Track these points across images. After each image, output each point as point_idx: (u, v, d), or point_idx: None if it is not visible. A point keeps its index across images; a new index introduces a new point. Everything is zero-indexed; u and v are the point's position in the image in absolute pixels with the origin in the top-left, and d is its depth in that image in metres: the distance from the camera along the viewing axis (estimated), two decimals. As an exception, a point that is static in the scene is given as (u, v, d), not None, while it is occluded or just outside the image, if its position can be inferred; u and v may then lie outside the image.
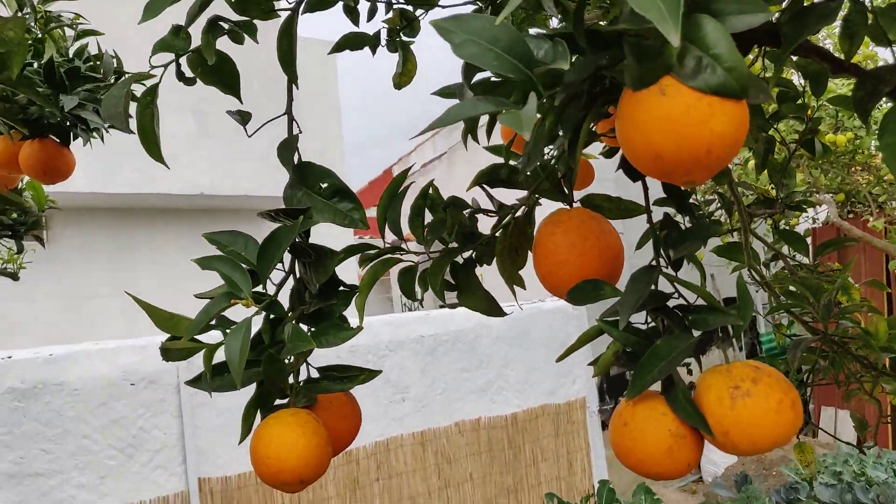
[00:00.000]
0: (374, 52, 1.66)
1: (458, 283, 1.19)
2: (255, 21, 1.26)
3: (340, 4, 1.38)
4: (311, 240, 1.18)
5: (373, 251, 1.16)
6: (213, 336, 1.11)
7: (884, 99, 0.83)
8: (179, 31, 1.18)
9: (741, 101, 0.67)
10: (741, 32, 0.67)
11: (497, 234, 1.18)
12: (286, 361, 1.10)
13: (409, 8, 1.72)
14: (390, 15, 1.73)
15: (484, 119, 1.37)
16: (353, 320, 1.18)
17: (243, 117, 1.23)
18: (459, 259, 1.19)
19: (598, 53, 0.75)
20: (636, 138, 0.71)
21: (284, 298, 1.18)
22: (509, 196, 1.21)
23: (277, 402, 1.18)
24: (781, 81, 1.51)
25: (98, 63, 2.13)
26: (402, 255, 1.17)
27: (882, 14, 0.95)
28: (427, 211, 1.17)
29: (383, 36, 1.71)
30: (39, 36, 1.99)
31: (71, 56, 2.11)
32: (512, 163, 1.22)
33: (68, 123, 2.03)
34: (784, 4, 0.96)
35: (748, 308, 0.96)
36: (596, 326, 1.00)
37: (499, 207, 1.17)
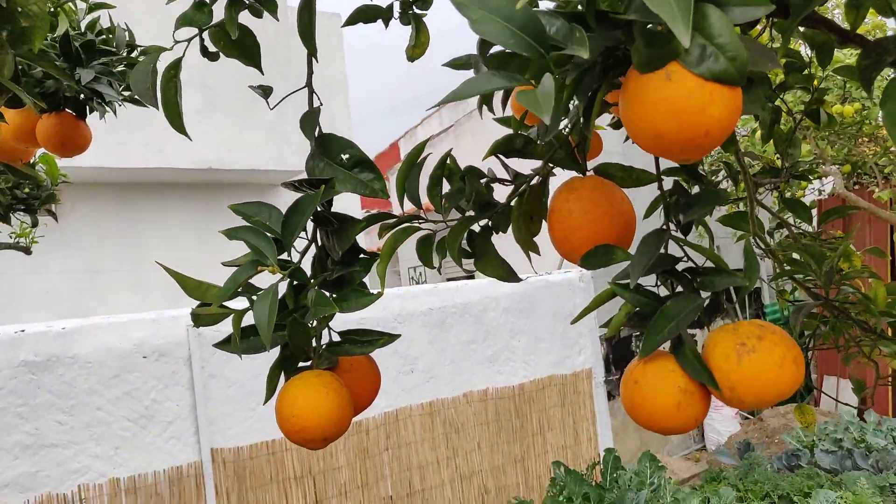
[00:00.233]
0: (387, 24, 1.69)
1: (474, 250, 1.24)
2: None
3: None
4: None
5: (392, 220, 1.20)
6: (238, 303, 1.15)
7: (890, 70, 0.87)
8: (202, 6, 1.21)
9: (738, 87, 0.73)
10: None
11: (513, 203, 1.22)
12: (310, 325, 1.14)
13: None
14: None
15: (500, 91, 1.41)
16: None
17: (265, 91, 1.27)
18: (476, 227, 1.23)
19: (609, 33, 0.79)
20: (640, 118, 0.76)
21: (306, 267, 1.22)
22: (523, 165, 1.24)
23: (300, 364, 1.23)
24: (788, 52, 1.54)
25: (111, 36, 2.16)
26: (420, 223, 1.21)
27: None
28: (444, 180, 1.21)
29: (396, 8, 1.74)
30: (52, 9, 2.02)
31: (83, 30, 2.13)
32: (521, 132, 1.26)
33: (83, 97, 2.06)
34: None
35: (754, 270, 1.00)
36: (608, 289, 1.04)
37: (514, 176, 1.21)
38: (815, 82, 1.68)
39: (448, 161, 1.19)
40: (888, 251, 7.58)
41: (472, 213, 1.20)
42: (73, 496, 3.72)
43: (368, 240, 13.10)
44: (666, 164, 1.19)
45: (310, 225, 1.19)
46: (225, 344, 1.18)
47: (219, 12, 1.25)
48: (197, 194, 7.43)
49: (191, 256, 7.03)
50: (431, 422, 5.12)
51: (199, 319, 1.12)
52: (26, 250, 3.55)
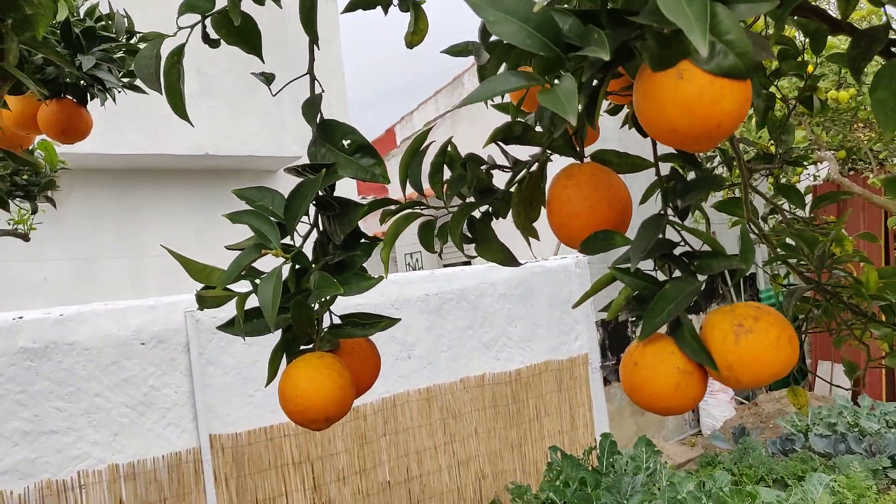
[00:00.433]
0: (385, 11, 1.70)
1: (475, 235, 1.26)
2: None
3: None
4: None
5: (394, 206, 1.21)
6: (241, 287, 1.17)
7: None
8: (205, -6, 1.22)
9: (746, 80, 0.76)
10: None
11: (512, 189, 1.24)
12: (312, 308, 1.16)
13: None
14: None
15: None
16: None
17: (267, 78, 1.28)
18: (476, 213, 1.25)
19: (619, 30, 0.81)
20: (655, 115, 0.80)
21: (308, 252, 1.24)
22: (522, 152, 1.26)
23: (302, 348, 1.25)
24: (782, 39, 1.56)
25: (110, 23, 2.17)
26: (422, 209, 1.23)
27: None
28: (445, 167, 1.23)
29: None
30: (54, -3, 2.02)
31: (82, 16, 2.14)
32: (520, 119, 1.28)
33: (84, 84, 2.07)
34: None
35: (750, 253, 1.02)
36: (608, 274, 1.06)
37: (514, 163, 1.23)
38: (810, 68, 1.70)
39: (449, 148, 1.21)
40: (882, 236, 7.62)
41: (472, 199, 1.22)
42: (73, 482, 3.74)
43: (365, 225, 13.09)
44: (662, 150, 1.21)
45: (312, 210, 1.21)
46: (229, 326, 1.20)
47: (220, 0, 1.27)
48: (194, 181, 7.42)
49: (188, 243, 7.04)
50: (429, 407, 5.15)
51: (203, 301, 1.14)
52: (24, 237, 3.56)
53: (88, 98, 2.10)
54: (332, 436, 4.65)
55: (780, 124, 1.79)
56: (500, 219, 1.30)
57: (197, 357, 4.22)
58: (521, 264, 1.28)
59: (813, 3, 0.96)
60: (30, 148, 2.55)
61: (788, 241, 1.66)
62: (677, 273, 1.06)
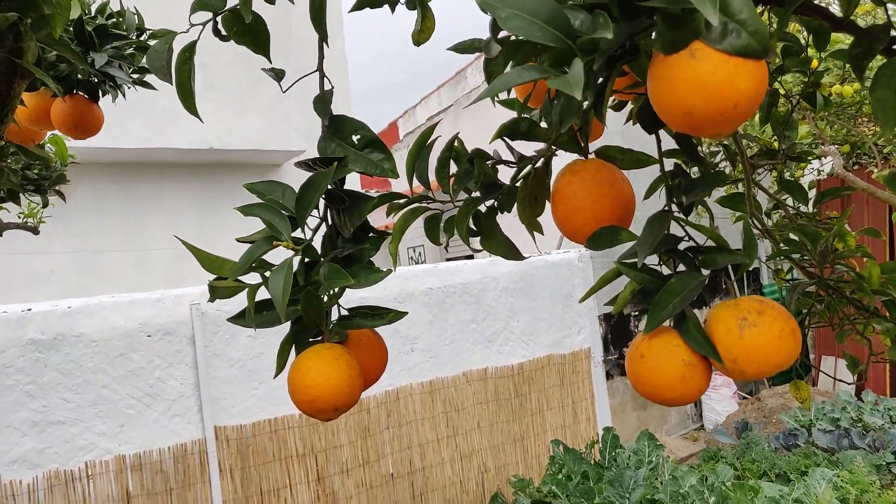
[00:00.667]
0: (393, 9, 1.71)
1: (480, 229, 1.28)
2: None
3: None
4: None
5: (402, 200, 1.24)
6: (251, 280, 1.19)
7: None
8: (217, -9, 1.24)
9: (762, 60, 0.76)
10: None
11: (518, 184, 1.26)
12: (322, 299, 1.19)
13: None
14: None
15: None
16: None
17: (277, 74, 1.30)
18: (482, 207, 1.27)
19: (630, 22, 0.83)
20: (668, 98, 0.79)
21: (317, 246, 1.26)
22: (527, 148, 1.28)
23: (310, 340, 1.27)
24: (786, 36, 1.57)
25: (121, 20, 2.19)
26: (428, 203, 1.25)
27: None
28: (452, 162, 1.25)
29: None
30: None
31: (93, 13, 2.16)
32: (525, 116, 1.30)
33: (96, 80, 2.09)
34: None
35: (753, 248, 1.04)
36: (614, 268, 1.08)
37: (519, 159, 1.25)
38: (815, 63, 1.72)
39: (456, 144, 1.23)
40: (886, 231, 7.62)
41: (478, 193, 1.24)
42: (80, 472, 3.78)
43: (369, 219, 13.08)
44: (666, 146, 1.23)
45: (321, 204, 1.23)
46: (239, 318, 1.22)
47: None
48: (198, 174, 7.45)
49: (192, 236, 7.04)
50: (432, 401, 5.18)
51: (215, 292, 1.16)
52: (34, 230, 3.58)
53: (100, 94, 2.13)
54: (335, 428, 4.68)
55: (783, 120, 1.80)
56: (505, 213, 1.32)
57: (202, 349, 4.25)
58: (526, 258, 1.31)
59: (815, 3, 0.98)
60: (41, 143, 2.58)
61: (791, 236, 1.67)
62: (682, 268, 1.08)
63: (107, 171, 6.93)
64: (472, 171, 1.20)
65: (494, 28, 1.16)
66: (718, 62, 0.75)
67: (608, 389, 6.33)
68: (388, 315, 1.26)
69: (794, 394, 1.84)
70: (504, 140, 1.25)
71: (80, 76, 2.03)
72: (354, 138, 1.18)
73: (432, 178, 1.27)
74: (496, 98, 1.54)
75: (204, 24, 1.27)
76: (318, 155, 1.22)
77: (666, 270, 1.09)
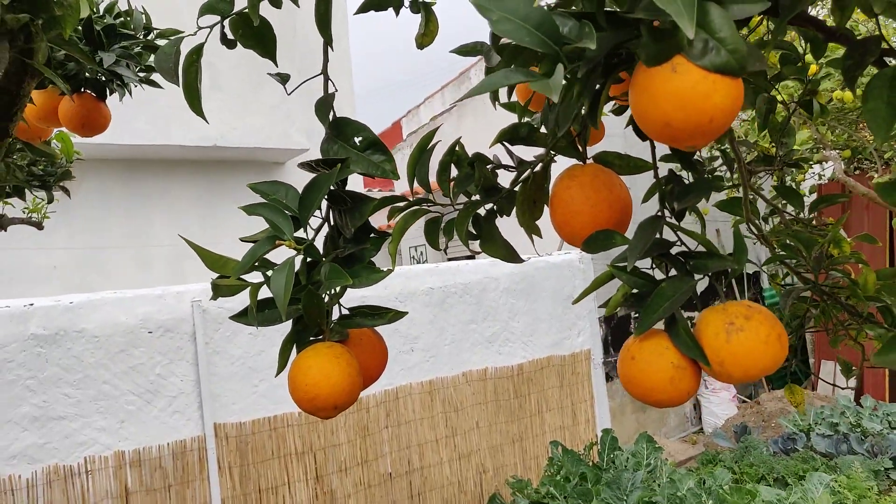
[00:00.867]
0: (397, 12, 1.74)
1: (480, 232, 1.30)
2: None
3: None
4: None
5: (403, 202, 1.26)
6: (254, 278, 1.21)
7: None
8: (224, -5, 1.27)
9: (738, 78, 0.79)
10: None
11: (517, 188, 1.28)
12: (323, 298, 1.21)
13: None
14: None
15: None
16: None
17: (283, 78, 1.33)
18: (481, 211, 1.29)
19: (617, 31, 0.85)
20: (649, 108, 0.83)
21: (318, 246, 1.28)
22: (526, 153, 1.31)
23: (311, 339, 1.29)
24: (784, 45, 1.60)
25: (128, 20, 2.21)
26: (428, 206, 1.27)
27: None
28: (453, 166, 1.27)
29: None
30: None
31: (101, 13, 2.19)
32: (526, 120, 1.32)
33: (103, 79, 2.12)
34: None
35: (743, 254, 1.07)
36: (607, 271, 1.11)
37: (518, 163, 1.27)
38: (814, 69, 1.74)
39: (457, 148, 1.25)
40: (886, 237, 7.62)
41: (478, 197, 1.26)
42: (80, 468, 3.79)
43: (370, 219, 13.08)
44: (661, 153, 1.25)
45: (323, 205, 1.26)
46: (242, 316, 1.24)
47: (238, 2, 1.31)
48: (201, 172, 7.47)
49: (195, 233, 7.08)
50: (431, 400, 5.19)
51: (218, 290, 1.18)
52: (38, 225, 3.61)
53: (107, 93, 2.15)
54: (334, 427, 4.70)
55: (780, 127, 1.83)
56: (505, 216, 1.34)
57: (203, 346, 4.27)
58: (524, 260, 1.33)
59: (809, 14, 1.00)
60: (47, 139, 2.61)
61: (788, 241, 1.70)
62: (674, 272, 1.10)
63: (110, 168, 6.95)
64: (473, 175, 1.23)
65: (495, 37, 1.19)
66: (698, 78, 0.78)
67: (608, 391, 6.34)
68: (388, 314, 1.29)
69: (788, 398, 1.86)
70: (504, 145, 1.27)
71: (87, 75, 2.05)
72: (356, 140, 1.21)
73: (433, 180, 1.29)
74: (498, 101, 1.57)
75: (211, 28, 1.29)
76: (320, 154, 1.24)
77: (659, 274, 1.11)
